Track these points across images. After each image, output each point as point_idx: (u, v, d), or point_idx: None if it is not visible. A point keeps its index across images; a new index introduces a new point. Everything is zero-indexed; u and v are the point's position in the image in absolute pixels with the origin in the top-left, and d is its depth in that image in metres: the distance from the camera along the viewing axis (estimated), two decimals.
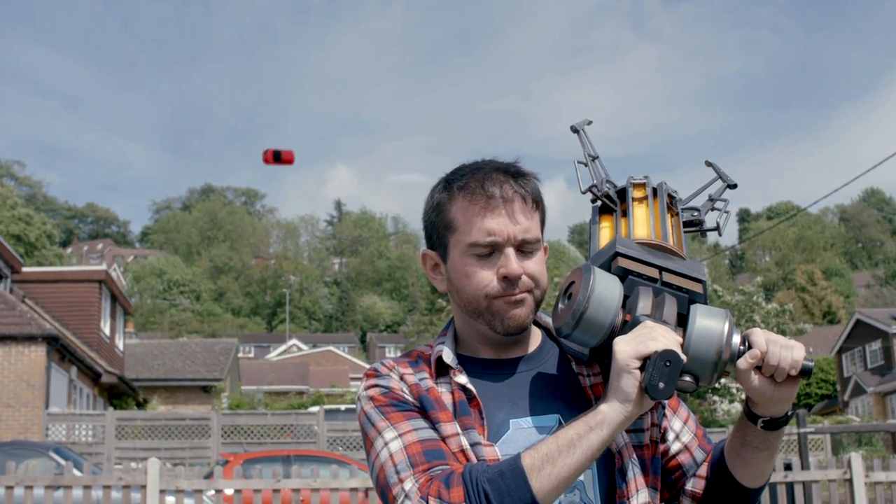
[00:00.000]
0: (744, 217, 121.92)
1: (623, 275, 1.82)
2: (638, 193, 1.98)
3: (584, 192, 1.97)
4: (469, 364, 1.91)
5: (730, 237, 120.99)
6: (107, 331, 30.58)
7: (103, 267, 33.11)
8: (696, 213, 2.00)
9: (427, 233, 1.98)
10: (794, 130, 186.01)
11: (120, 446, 21.99)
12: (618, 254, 1.83)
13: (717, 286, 34.09)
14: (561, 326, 1.81)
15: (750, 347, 1.78)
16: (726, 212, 2.00)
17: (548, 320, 2.01)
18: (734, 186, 2.03)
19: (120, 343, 33.41)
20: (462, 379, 1.85)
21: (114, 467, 18.11)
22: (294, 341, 76.93)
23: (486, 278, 1.87)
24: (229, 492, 10.43)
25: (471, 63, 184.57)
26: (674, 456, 2.01)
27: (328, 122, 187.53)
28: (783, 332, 28.90)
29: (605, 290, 1.78)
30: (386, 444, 1.77)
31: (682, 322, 1.79)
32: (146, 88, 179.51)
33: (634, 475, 1.84)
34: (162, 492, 9.68)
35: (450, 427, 1.79)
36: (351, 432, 23.17)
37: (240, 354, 53.30)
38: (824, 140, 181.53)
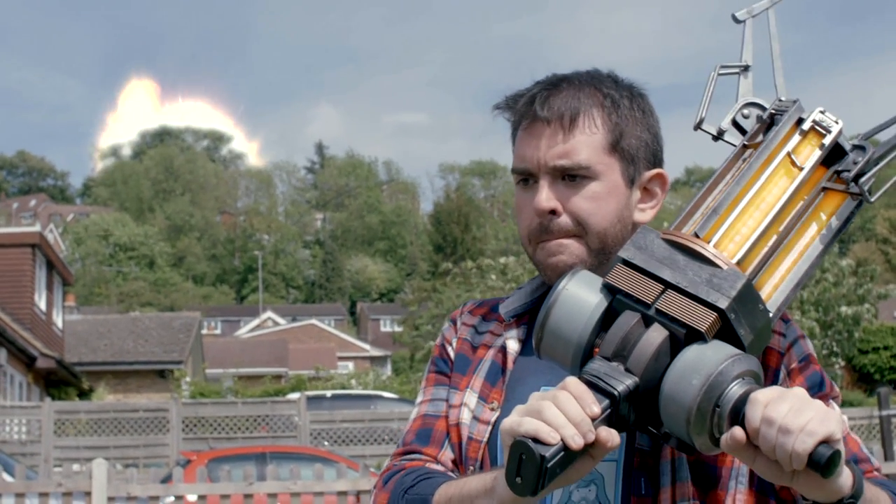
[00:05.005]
0: None
1: (615, 290, 1.65)
2: (789, 134, 1.73)
3: (695, 128, 1.80)
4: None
5: None
6: (42, 305, 30.63)
7: (37, 228, 33.10)
8: (857, 161, 1.72)
9: None
10: (868, 51, 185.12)
11: (60, 444, 22.05)
12: (621, 260, 1.66)
13: None
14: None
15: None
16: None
17: None
18: None
19: (58, 320, 33.47)
20: (510, 333, 1.93)
21: (52, 470, 18.16)
22: (269, 314, 77.08)
23: (527, 216, 1.88)
24: (192, 498, 10.44)
25: None
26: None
27: (307, 50, 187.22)
28: (862, 298, 28.83)
29: (571, 309, 1.64)
30: (414, 406, 2.02)
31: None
32: (85, 12, 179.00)
33: (673, 483, 1.76)
34: (111, 499, 9.71)
35: (458, 396, 1.93)
36: (338, 423, 23.24)
37: (203, 331, 53.46)
38: None
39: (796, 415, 1.49)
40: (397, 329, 67.45)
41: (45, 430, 22.00)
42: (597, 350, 1.62)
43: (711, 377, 1.53)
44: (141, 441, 22.63)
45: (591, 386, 1.56)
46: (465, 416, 1.90)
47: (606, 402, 1.55)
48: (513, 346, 1.91)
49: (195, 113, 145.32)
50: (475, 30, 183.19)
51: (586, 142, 1.84)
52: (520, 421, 1.54)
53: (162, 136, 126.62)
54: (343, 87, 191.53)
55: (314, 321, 70.80)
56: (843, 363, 32.84)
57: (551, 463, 1.50)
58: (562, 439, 1.51)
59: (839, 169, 1.73)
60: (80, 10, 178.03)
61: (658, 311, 1.61)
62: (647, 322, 1.62)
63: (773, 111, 1.77)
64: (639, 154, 1.88)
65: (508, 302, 1.97)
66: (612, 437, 1.55)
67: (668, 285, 1.62)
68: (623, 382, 1.56)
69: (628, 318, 1.61)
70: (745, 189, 1.69)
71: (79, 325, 40.28)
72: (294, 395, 27.20)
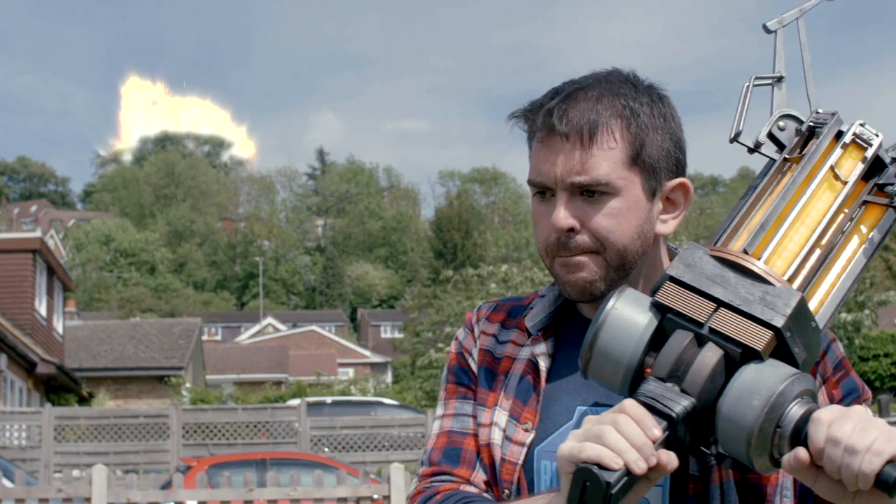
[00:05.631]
0: None
1: (665, 308, 1.61)
2: (830, 147, 1.70)
3: (732, 142, 1.76)
4: (570, 320, 1.91)
5: None
6: (43, 311, 30.61)
7: (38, 234, 33.09)
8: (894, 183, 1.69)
9: None
10: (868, 59, 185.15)
11: (60, 450, 22.02)
12: (669, 277, 1.63)
13: None
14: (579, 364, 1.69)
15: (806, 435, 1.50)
16: None
17: None
18: None
19: (59, 325, 33.46)
20: (539, 349, 1.87)
21: (52, 476, 18.14)
22: (269, 320, 77.03)
23: (545, 229, 1.82)
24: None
25: None
26: None
27: (308, 57, 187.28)
28: (862, 305, 28.82)
29: (621, 329, 1.60)
30: (434, 419, 1.96)
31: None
32: (87, 19, 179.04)
33: None
34: None
35: (487, 415, 1.87)
36: (339, 430, 23.23)
37: (204, 337, 53.43)
38: None
39: (861, 434, 1.46)
40: (398, 335, 67.50)
41: (45, 436, 21.97)
42: (648, 371, 1.59)
43: (773, 398, 1.51)
44: (141, 447, 22.60)
45: (648, 408, 1.54)
46: (497, 436, 1.84)
47: (665, 423, 1.53)
48: (543, 363, 1.85)
49: (197, 118, 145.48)
50: (476, 37, 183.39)
51: (605, 157, 1.77)
52: (580, 447, 1.51)
53: (163, 142, 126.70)
54: (344, 94, 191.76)
55: (315, 327, 70.77)
56: None
57: (615, 489, 1.47)
58: (625, 464, 1.48)
59: (879, 182, 1.72)
60: (81, 16, 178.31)
61: (712, 331, 1.58)
62: (700, 341, 1.58)
63: (811, 123, 1.75)
64: (660, 164, 1.82)
65: (533, 314, 1.91)
66: (671, 460, 1.52)
67: (720, 303, 1.59)
68: (680, 404, 1.54)
69: (681, 338, 1.58)
70: (790, 204, 1.67)
71: (79, 330, 40.26)
72: (294, 402, 27.17)
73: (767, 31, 1.81)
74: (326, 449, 22.95)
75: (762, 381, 1.52)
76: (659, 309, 1.62)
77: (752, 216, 1.68)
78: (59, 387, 30.65)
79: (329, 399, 29.57)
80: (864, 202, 1.71)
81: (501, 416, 1.85)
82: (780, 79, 1.78)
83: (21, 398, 27.90)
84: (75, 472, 12.25)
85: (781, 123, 1.75)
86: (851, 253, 1.71)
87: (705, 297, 1.59)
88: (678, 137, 1.86)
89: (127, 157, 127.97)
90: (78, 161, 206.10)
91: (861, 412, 1.51)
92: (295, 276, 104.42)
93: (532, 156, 1.84)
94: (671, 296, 1.61)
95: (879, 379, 37.48)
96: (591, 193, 1.78)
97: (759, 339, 1.55)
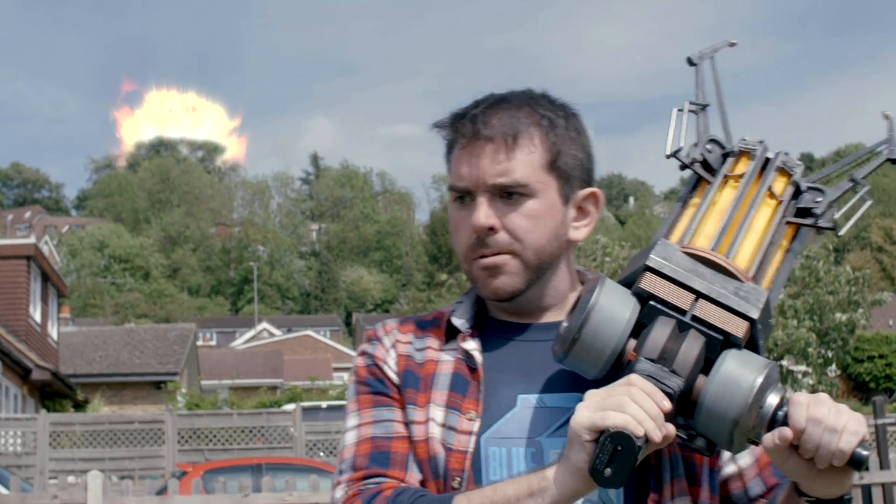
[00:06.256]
0: (806, 163, 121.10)
1: (646, 297, 1.74)
2: (738, 167, 1.89)
3: (669, 157, 1.90)
4: (488, 325, 1.98)
5: None
6: (37, 317, 30.58)
7: (32, 240, 33.06)
8: (818, 200, 1.87)
9: None
10: (859, 61, 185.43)
11: (55, 457, 21.99)
12: (647, 268, 1.75)
13: None
14: (553, 351, 1.80)
15: (786, 417, 1.66)
16: (864, 199, 1.88)
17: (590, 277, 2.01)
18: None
19: (53, 331, 33.43)
20: (470, 345, 1.92)
21: (48, 482, 18.16)
22: (264, 325, 77.03)
23: (464, 233, 1.91)
24: None
25: None
26: (723, 482, 1.97)
27: (301, 62, 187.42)
28: (856, 304, 28.88)
29: (608, 315, 1.72)
30: (346, 431, 1.93)
31: (709, 369, 1.72)
32: (80, 26, 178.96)
33: (672, 479, 1.84)
34: None
35: (421, 412, 1.89)
36: (334, 434, 23.19)
37: (199, 342, 53.36)
38: None
39: (837, 416, 1.64)
40: None
41: (40, 443, 21.95)
42: (633, 355, 1.71)
43: (759, 384, 1.65)
44: (136, 453, 22.58)
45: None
46: (435, 430, 1.87)
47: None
48: (479, 356, 1.91)
49: (190, 124, 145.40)
50: (469, 42, 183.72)
51: (525, 160, 1.87)
52: (603, 415, 1.61)
53: (157, 148, 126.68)
54: (337, 99, 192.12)
55: (310, 332, 70.77)
56: (838, 372, 32.85)
57: (640, 454, 1.60)
58: (645, 432, 1.60)
59: (800, 205, 1.88)
60: (75, 23, 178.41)
61: (695, 318, 1.72)
62: (681, 329, 1.71)
63: (742, 147, 1.90)
64: (574, 173, 1.92)
65: (458, 316, 1.96)
66: (671, 432, 1.66)
67: (699, 295, 1.73)
68: (676, 382, 1.66)
69: (666, 324, 1.71)
70: (741, 214, 1.82)
71: (74, 336, 40.24)
72: (290, 406, 27.16)
73: (691, 63, 1.98)
74: (322, 454, 22.94)
75: (747, 368, 1.67)
76: (640, 297, 1.74)
77: (705, 224, 1.82)
78: (53, 393, 30.63)
79: (324, 404, 29.59)
80: (788, 222, 1.88)
81: (437, 412, 1.88)
82: (704, 107, 1.93)
83: (16, 405, 27.88)
84: (71, 479, 12.24)
85: (709, 146, 1.90)
86: (779, 262, 1.86)
87: (685, 289, 1.73)
88: (589, 151, 1.97)
89: (120, 163, 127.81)
90: (72, 167, 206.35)
91: (827, 397, 1.67)
92: (289, 280, 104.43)
93: (454, 163, 1.92)
94: (656, 285, 1.73)
95: (874, 380, 37.58)
96: (510, 195, 1.87)
97: (739, 327, 1.71)
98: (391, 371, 1.94)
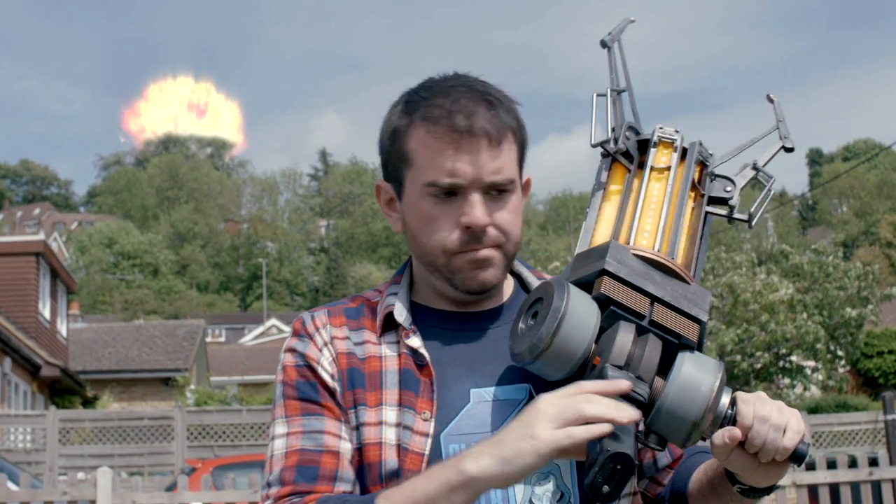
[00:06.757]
0: (815, 159, 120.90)
1: (605, 301, 1.74)
2: (661, 157, 1.90)
3: (594, 146, 1.92)
4: (424, 316, 1.96)
5: (799, 184, 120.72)
6: (46, 314, 30.64)
7: (41, 236, 33.14)
8: (729, 189, 1.90)
9: (382, 161, 1.99)
10: (869, 56, 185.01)
11: (64, 453, 22.03)
12: (605, 273, 1.75)
13: (784, 245, 33.98)
14: (516, 354, 1.78)
15: (734, 416, 1.72)
16: (770, 190, 1.90)
17: (521, 268, 2.05)
18: (790, 150, 1.92)
19: (63, 328, 33.49)
20: (415, 342, 1.90)
21: (57, 479, 18.15)
22: (273, 321, 76.97)
23: (446, 228, 1.88)
24: None
25: None
26: None
27: (310, 59, 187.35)
28: (866, 300, 28.83)
29: (578, 322, 1.70)
30: (274, 438, 1.89)
31: (663, 370, 1.72)
32: (88, 23, 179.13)
33: None
34: None
35: (373, 413, 1.86)
36: None
37: (208, 339, 53.45)
38: None
39: (781, 414, 1.72)
40: None
41: (49, 439, 21.98)
42: (598, 359, 1.71)
43: (717, 387, 1.69)
44: (146, 449, 22.60)
45: (623, 396, 1.66)
46: (390, 434, 1.85)
47: (636, 407, 1.66)
48: (426, 353, 1.89)
49: (199, 120, 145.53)
50: (477, 38, 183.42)
51: (510, 157, 1.90)
52: (567, 433, 1.60)
53: (166, 144, 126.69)
54: (346, 95, 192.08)
55: None
56: (847, 367, 32.78)
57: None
58: (615, 421, 1.62)
59: (711, 194, 1.91)
60: (84, 19, 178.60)
61: (653, 323, 1.73)
62: (639, 332, 1.72)
63: (660, 137, 1.91)
64: (524, 162, 1.97)
65: (398, 311, 1.94)
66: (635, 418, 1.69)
67: (654, 299, 1.74)
68: (644, 389, 1.68)
69: (628, 330, 1.71)
70: (673, 210, 1.84)
71: (83, 333, 40.28)
72: None
73: (604, 45, 1.98)
74: None
75: (705, 371, 1.71)
76: (600, 302, 1.74)
77: (644, 220, 1.84)
78: (63, 389, 30.67)
79: None
80: (707, 213, 1.90)
81: (390, 413, 1.87)
82: (620, 92, 1.95)
83: (25, 401, 27.93)
84: (80, 475, 12.22)
85: (628, 134, 1.92)
86: (701, 253, 1.89)
87: (641, 293, 1.74)
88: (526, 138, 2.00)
89: (129, 160, 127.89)
90: (81, 164, 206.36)
91: (767, 396, 1.75)
92: (298, 277, 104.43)
93: (440, 158, 1.87)
94: (616, 290, 1.73)
95: (884, 375, 37.41)
96: (500, 191, 1.89)
97: (693, 331, 1.74)
98: (325, 373, 1.90)
